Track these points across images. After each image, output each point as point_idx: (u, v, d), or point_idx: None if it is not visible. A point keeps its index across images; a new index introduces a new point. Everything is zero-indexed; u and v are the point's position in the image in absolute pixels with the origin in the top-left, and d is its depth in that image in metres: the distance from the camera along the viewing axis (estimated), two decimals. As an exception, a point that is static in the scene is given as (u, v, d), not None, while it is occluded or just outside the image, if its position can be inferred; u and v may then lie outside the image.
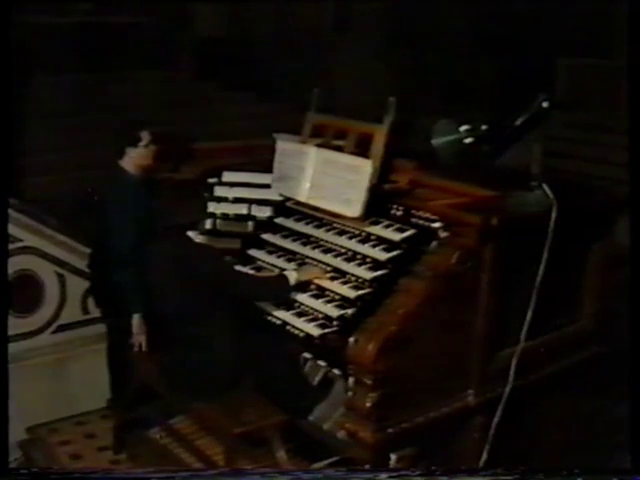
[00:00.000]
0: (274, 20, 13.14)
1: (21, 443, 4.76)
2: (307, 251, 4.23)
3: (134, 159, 4.48)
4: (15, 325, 4.65)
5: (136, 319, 4.38)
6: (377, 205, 4.02)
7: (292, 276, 3.99)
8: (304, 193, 4.31)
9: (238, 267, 4.30)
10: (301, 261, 4.23)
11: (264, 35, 13.20)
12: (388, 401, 3.32)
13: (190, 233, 4.11)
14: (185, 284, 3.83)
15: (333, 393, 4.05)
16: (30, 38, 9.06)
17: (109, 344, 4.75)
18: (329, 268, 4.05)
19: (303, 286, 4.02)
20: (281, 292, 3.99)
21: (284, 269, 4.16)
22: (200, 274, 3.84)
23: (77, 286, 5.11)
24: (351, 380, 3.43)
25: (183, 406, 4.12)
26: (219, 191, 4.78)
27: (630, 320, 3.23)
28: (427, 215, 3.80)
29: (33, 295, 4.99)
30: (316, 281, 4.01)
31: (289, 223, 4.49)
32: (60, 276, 5.07)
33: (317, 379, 4.18)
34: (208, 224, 4.60)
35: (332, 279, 3.98)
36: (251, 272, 4.27)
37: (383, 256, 3.85)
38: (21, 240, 4.87)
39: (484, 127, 3.80)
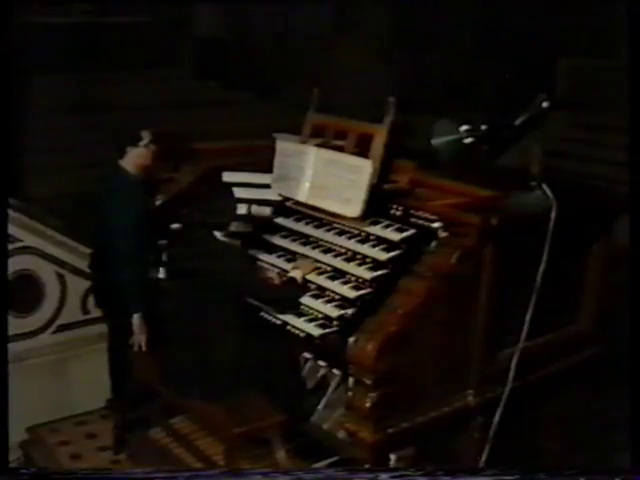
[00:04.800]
0: (274, 20, 13.13)
1: (21, 443, 4.76)
2: (307, 251, 4.22)
3: (134, 159, 4.47)
4: (15, 325, 4.64)
5: (136, 319, 4.38)
6: (377, 205, 4.02)
7: (298, 275, 4.02)
8: (304, 193, 4.31)
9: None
10: (292, 258, 4.23)
11: (264, 35, 13.20)
12: (388, 401, 3.31)
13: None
14: (192, 283, 3.83)
15: (333, 393, 4.05)
16: (30, 38, 9.06)
17: (109, 344, 4.75)
18: (329, 268, 4.05)
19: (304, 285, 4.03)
20: (295, 294, 3.99)
21: (284, 269, 4.17)
22: (220, 272, 3.82)
23: (77, 286, 5.10)
24: (351, 380, 3.43)
25: (183, 406, 4.12)
26: (219, 191, 4.77)
27: (630, 320, 3.23)
28: (427, 215, 3.80)
29: (33, 295, 4.98)
30: (315, 280, 4.02)
31: (289, 223, 4.49)
32: (60, 276, 5.06)
33: (317, 379, 4.18)
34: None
35: (332, 279, 3.98)
36: (269, 275, 4.23)
37: (383, 256, 3.85)
38: (21, 240, 4.86)
39: (484, 127, 3.80)
